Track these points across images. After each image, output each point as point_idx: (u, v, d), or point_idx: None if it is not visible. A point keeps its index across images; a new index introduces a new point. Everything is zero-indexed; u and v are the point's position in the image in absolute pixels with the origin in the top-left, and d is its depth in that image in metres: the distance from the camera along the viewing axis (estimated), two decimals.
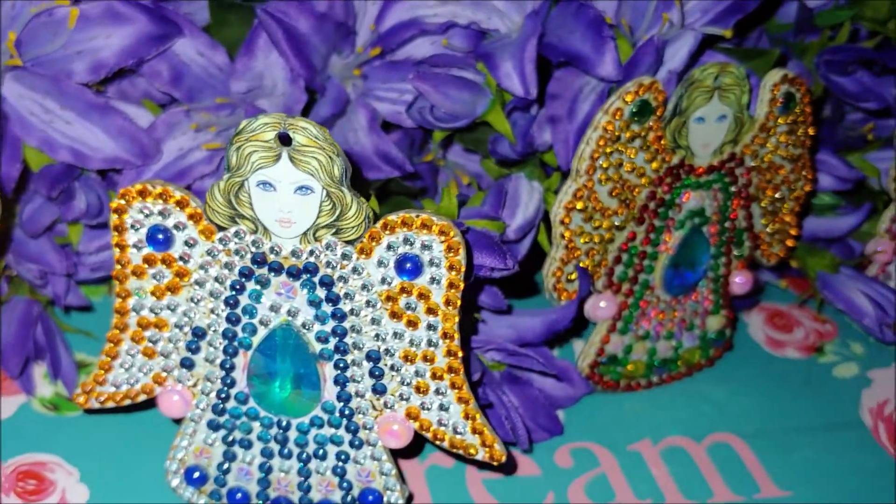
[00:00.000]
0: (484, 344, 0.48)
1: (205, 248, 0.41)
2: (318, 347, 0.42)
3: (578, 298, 0.50)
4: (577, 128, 0.51)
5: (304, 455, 0.44)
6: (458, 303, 0.40)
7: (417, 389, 0.42)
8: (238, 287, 0.41)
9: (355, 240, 0.40)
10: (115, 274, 0.42)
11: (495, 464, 0.43)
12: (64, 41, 0.47)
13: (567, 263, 0.50)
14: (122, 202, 0.41)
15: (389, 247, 0.40)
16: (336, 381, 0.42)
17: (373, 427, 0.43)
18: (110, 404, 0.44)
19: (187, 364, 0.43)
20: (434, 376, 0.41)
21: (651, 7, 0.51)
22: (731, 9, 0.53)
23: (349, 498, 0.44)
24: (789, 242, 0.57)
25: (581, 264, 0.50)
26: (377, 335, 0.41)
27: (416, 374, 0.41)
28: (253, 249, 0.40)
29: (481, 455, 0.43)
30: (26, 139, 0.48)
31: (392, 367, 0.42)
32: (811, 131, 0.54)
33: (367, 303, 0.41)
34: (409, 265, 0.40)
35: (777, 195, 0.55)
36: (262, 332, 0.42)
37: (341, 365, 0.42)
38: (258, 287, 0.41)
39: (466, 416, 0.42)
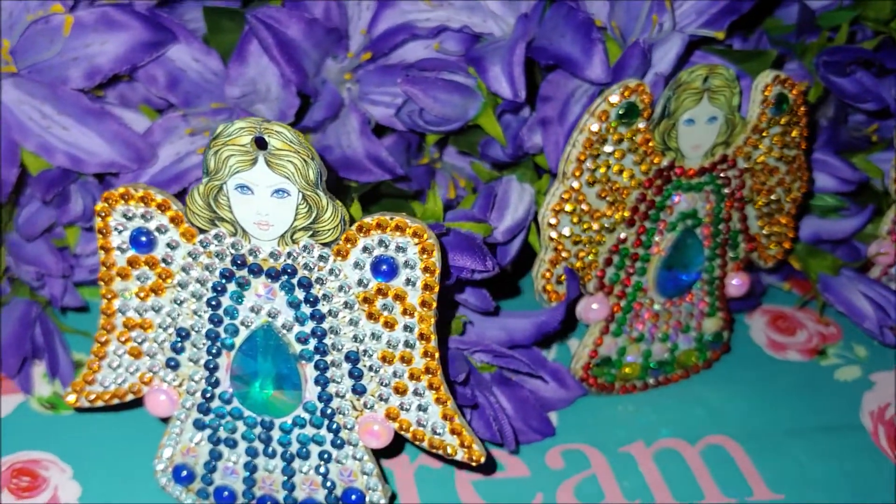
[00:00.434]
0: (471, 345, 0.48)
1: (186, 251, 0.42)
2: (298, 348, 0.42)
3: (567, 300, 0.50)
4: (567, 130, 0.51)
5: (288, 454, 0.44)
6: (434, 304, 0.41)
7: (396, 390, 0.42)
8: (219, 289, 0.42)
9: (332, 242, 0.40)
10: (101, 275, 0.43)
11: (474, 464, 0.43)
12: (60, 48, 0.49)
13: (556, 265, 0.51)
14: (106, 205, 0.41)
15: (365, 249, 0.40)
16: (317, 382, 0.43)
17: (354, 427, 0.43)
18: (99, 403, 0.45)
19: (172, 364, 0.44)
20: (412, 377, 0.42)
21: (644, 11, 0.51)
22: (725, 10, 0.53)
23: (332, 497, 0.45)
24: (786, 244, 0.57)
25: (569, 266, 0.50)
26: (355, 336, 0.42)
27: (395, 374, 0.42)
28: (232, 252, 0.41)
29: (460, 455, 0.43)
30: (24, 144, 0.49)
31: (371, 368, 0.42)
32: (805, 133, 0.54)
33: (345, 304, 0.41)
34: (384, 267, 0.40)
35: (772, 197, 0.55)
36: (244, 333, 0.43)
37: (321, 366, 0.42)
38: (239, 289, 0.42)
39: (445, 417, 0.42)
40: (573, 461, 0.52)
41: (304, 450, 0.44)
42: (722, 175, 0.52)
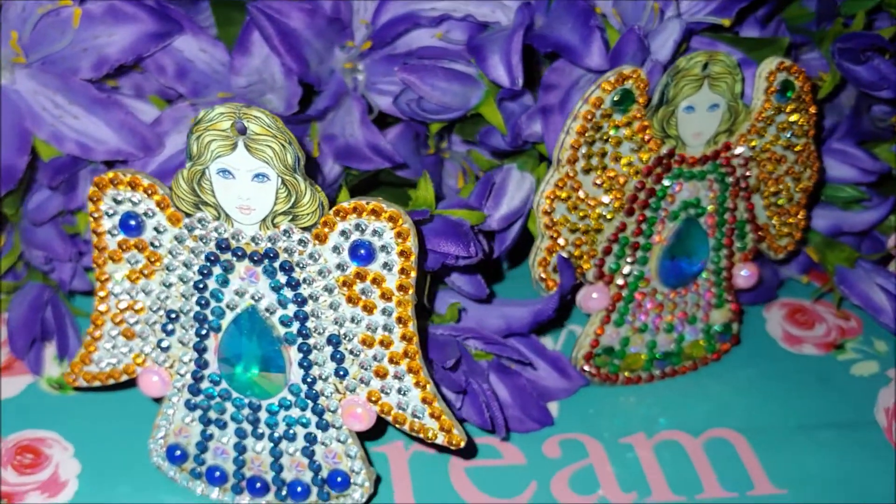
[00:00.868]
0: (463, 332, 0.49)
1: (173, 234, 0.43)
2: (282, 331, 0.43)
3: (560, 289, 0.50)
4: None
5: (275, 436, 0.45)
6: (412, 288, 0.41)
7: (377, 374, 0.43)
8: (205, 272, 0.43)
9: (311, 226, 0.41)
10: (94, 258, 0.44)
11: (453, 448, 0.43)
12: (70, 39, 0.50)
13: (553, 253, 0.50)
14: (97, 190, 0.43)
15: (343, 233, 0.41)
16: (300, 365, 0.43)
17: (337, 410, 0.44)
18: (96, 383, 0.46)
19: (163, 346, 0.45)
20: (391, 360, 0.42)
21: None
22: None
23: (318, 479, 0.45)
24: (797, 235, 0.56)
25: (564, 254, 0.50)
26: (336, 320, 0.42)
27: (375, 358, 0.42)
28: (216, 235, 0.42)
29: (440, 439, 0.43)
30: (37, 133, 0.51)
31: (351, 352, 0.42)
32: (814, 121, 0.53)
33: (325, 288, 0.42)
34: (362, 251, 0.41)
35: (780, 187, 0.54)
36: (230, 316, 0.43)
37: (304, 349, 0.43)
38: (224, 272, 0.43)
39: (424, 401, 0.43)
40: (570, 451, 0.52)
41: (291, 431, 0.45)
42: (725, 163, 0.51)
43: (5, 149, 0.50)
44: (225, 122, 0.40)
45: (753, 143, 0.52)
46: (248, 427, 0.45)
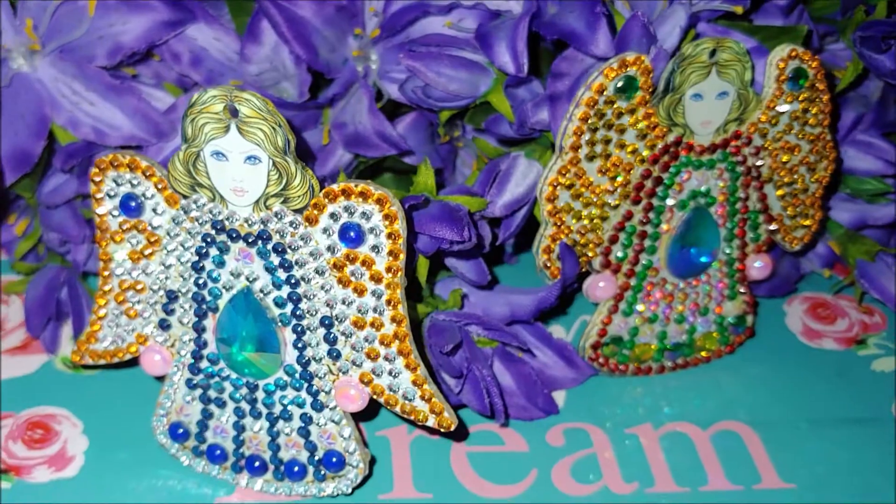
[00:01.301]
0: (462, 318, 0.49)
1: (171, 216, 0.44)
2: (276, 312, 0.43)
3: (563, 276, 0.50)
4: None
5: (272, 416, 0.46)
6: (401, 271, 0.41)
7: (368, 356, 0.43)
8: (202, 253, 0.44)
9: (302, 209, 0.41)
10: (97, 239, 0.45)
11: (443, 430, 0.43)
12: (86, 28, 0.51)
13: (557, 241, 0.50)
14: (98, 171, 0.44)
15: (332, 215, 0.41)
16: (295, 346, 0.44)
17: (331, 391, 0.44)
18: (102, 361, 0.47)
19: (164, 325, 0.46)
20: (382, 343, 0.43)
21: None
22: None
23: (314, 459, 0.46)
24: (813, 227, 0.54)
25: (571, 242, 0.50)
26: (328, 302, 0.43)
27: (366, 340, 0.43)
28: (211, 217, 0.43)
29: (431, 422, 0.43)
30: (56, 118, 0.52)
31: (343, 334, 0.43)
32: (828, 109, 0.51)
33: (317, 270, 0.42)
34: (351, 233, 0.41)
35: (795, 177, 0.53)
36: (226, 296, 0.44)
37: (298, 330, 0.43)
38: (220, 253, 0.43)
39: (415, 383, 0.43)
40: (575, 440, 0.51)
41: (287, 412, 0.45)
42: (735, 152, 0.51)
43: (23, 134, 0.51)
44: (217, 105, 0.40)
45: (764, 132, 0.51)
46: (246, 407, 0.46)
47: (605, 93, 0.47)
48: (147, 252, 0.45)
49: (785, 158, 0.52)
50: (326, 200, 0.41)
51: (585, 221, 0.50)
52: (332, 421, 0.45)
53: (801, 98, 0.50)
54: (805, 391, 0.55)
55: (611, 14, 0.50)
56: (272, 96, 0.52)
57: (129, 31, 0.52)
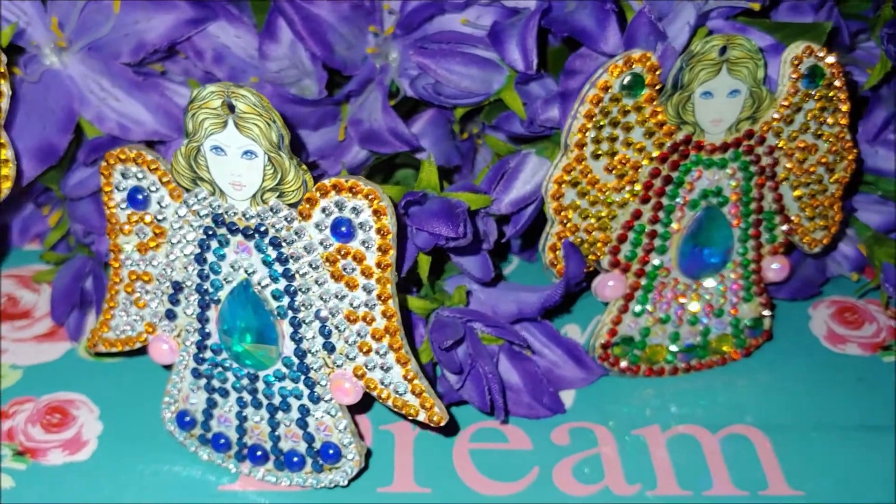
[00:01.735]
0: (465, 314, 0.49)
1: (174, 208, 0.45)
2: (274, 305, 0.44)
3: (566, 275, 0.49)
4: None
5: (272, 407, 0.46)
6: (391, 266, 0.42)
7: (361, 349, 0.44)
8: (204, 245, 0.45)
9: (297, 203, 0.42)
10: (108, 231, 0.46)
11: (433, 425, 0.44)
12: (112, 25, 0.53)
13: (563, 239, 0.50)
14: (107, 164, 0.45)
15: (324, 210, 0.42)
16: (292, 338, 0.45)
17: (327, 384, 0.45)
18: (114, 349, 0.49)
19: (170, 315, 0.47)
20: (374, 337, 0.43)
21: None
22: None
23: (311, 450, 0.46)
24: (833, 229, 0.53)
25: (576, 240, 0.50)
26: (322, 296, 0.43)
27: (359, 334, 0.43)
28: (211, 210, 0.44)
29: (422, 416, 0.44)
30: (83, 113, 0.54)
31: (337, 327, 0.44)
32: (847, 108, 0.50)
33: (311, 264, 0.43)
34: (343, 228, 0.42)
35: (812, 178, 0.52)
36: (227, 288, 0.45)
37: (295, 322, 0.44)
38: (220, 246, 0.44)
39: (406, 378, 0.43)
40: (580, 439, 0.51)
41: (285, 403, 0.46)
42: (748, 151, 0.50)
43: (51, 128, 0.53)
44: (216, 101, 0.41)
45: (778, 131, 0.50)
46: (247, 397, 0.47)
47: (610, 90, 0.47)
48: (153, 244, 0.46)
49: (800, 158, 0.51)
50: (318, 195, 0.42)
51: (592, 220, 0.50)
52: (328, 413, 0.46)
53: (817, 96, 0.49)
54: (822, 397, 0.54)
55: (622, 11, 0.50)
56: (286, 93, 0.53)
57: (153, 29, 0.53)
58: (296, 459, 0.47)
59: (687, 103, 0.48)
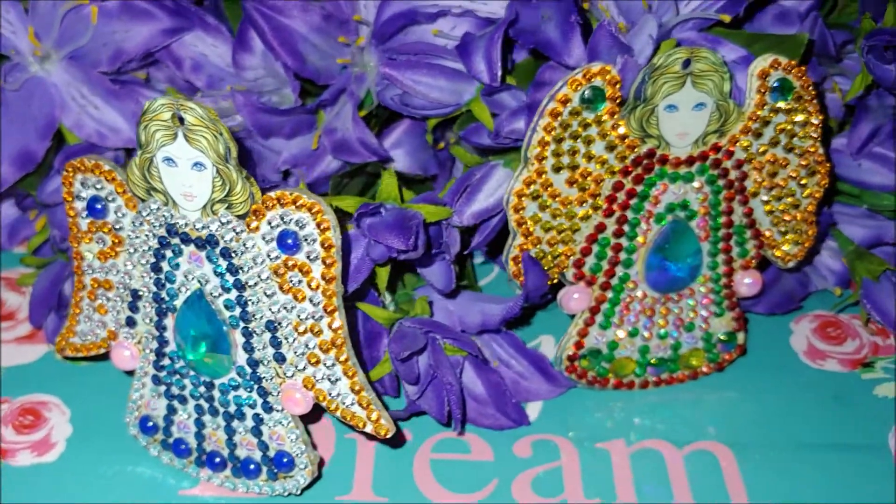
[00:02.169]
0: (424, 325, 0.49)
1: (131, 218, 0.45)
2: (226, 315, 0.45)
3: (527, 287, 0.49)
4: None
5: (228, 414, 0.47)
6: (336, 279, 0.42)
7: (309, 361, 0.44)
8: (159, 255, 0.45)
9: (244, 215, 0.43)
10: (70, 239, 0.47)
11: (380, 437, 0.44)
12: (90, 35, 0.54)
13: (525, 251, 0.50)
14: (68, 174, 0.46)
15: (270, 222, 0.42)
16: (244, 348, 0.45)
17: (278, 394, 0.45)
18: (79, 354, 0.50)
19: (130, 322, 0.48)
20: (321, 349, 0.43)
21: None
22: None
23: (266, 458, 0.47)
24: (806, 244, 0.52)
25: (537, 253, 0.50)
26: (271, 307, 0.44)
27: (307, 346, 0.44)
28: (165, 220, 0.44)
29: (369, 428, 0.44)
30: (64, 121, 0.55)
31: (286, 338, 0.44)
32: (820, 121, 0.49)
33: (259, 275, 0.43)
34: (289, 240, 0.42)
35: (784, 192, 0.51)
36: (182, 297, 0.46)
37: (246, 333, 0.45)
38: (174, 255, 0.45)
39: (353, 390, 0.44)
40: (542, 452, 0.51)
41: (240, 411, 0.47)
42: (716, 165, 0.49)
43: (31, 135, 0.54)
44: (166, 113, 0.42)
45: (746, 145, 0.49)
46: (205, 404, 0.47)
47: (569, 104, 0.47)
48: (113, 252, 0.47)
49: (771, 171, 0.50)
50: (265, 208, 0.42)
51: (555, 232, 0.50)
52: (281, 423, 0.46)
53: (787, 109, 0.49)
54: (794, 414, 0.53)
55: (587, 23, 0.50)
56: (257, 101, 0.53)
57: (131, 38, 0.54)
58: (252, 467, 0.47)
59: (651, 116, 0.48)
